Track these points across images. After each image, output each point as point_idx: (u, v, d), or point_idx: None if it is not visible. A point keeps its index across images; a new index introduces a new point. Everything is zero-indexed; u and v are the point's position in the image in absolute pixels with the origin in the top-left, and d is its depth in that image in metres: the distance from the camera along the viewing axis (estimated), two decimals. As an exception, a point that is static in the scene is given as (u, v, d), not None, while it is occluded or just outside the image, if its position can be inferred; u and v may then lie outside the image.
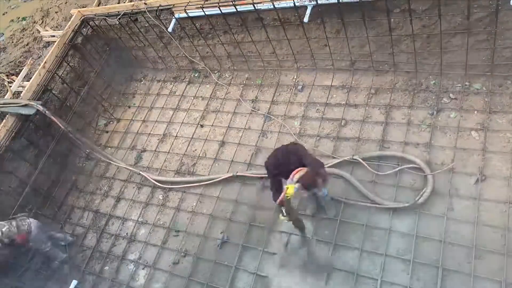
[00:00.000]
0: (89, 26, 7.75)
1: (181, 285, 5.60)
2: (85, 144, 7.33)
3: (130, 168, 6.99)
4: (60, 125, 6.82)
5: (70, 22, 7.61)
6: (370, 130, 5.88)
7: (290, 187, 3.98)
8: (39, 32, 8.40)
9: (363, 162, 5.41)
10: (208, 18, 6.58)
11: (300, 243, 5.16)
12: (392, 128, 5.78)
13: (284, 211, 4.40)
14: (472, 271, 4.44)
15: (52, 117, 6.73)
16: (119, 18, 7.31)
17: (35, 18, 9.84)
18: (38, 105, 6.64)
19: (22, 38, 9.37)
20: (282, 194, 4.08)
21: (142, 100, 8.11)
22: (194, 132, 7.09)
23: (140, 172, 6.81)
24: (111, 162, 7.22)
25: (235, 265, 5.43)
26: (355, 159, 5.48)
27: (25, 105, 6.66)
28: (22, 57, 8.50)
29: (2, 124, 6.63)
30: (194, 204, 6.27)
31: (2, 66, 8.66)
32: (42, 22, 9.48)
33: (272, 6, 5.85)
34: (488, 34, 5.22)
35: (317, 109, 6.41)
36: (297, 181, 3.98)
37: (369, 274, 4.80)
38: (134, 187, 6.91)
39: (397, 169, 5.29)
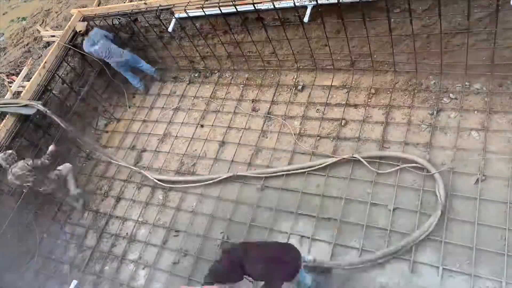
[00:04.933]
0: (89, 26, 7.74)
1: (181, 285, 5.59)
2: (86, 143, 7.34)
3: (131, 166, 6.98)
4: (62, 124, 6.82)
5: (70, 22, 7.62)
6: (370, 130, 5.88)
7: None
8: (39, 32, 8.40)
9: (364, 161, 5.41)
10: (208, 18, 6.58)
11: None
12: (392, 128, 5.78)
13: None
14: (473, 272, 4.44)
15: (54, 117, 6.73)
16: (119, 18, 7.32)
17: (35, 18, 9.85)
18: (39, 105, 6.64)
19: (22, 38, 9.37)
20: None
21: (142, 100, 8.12)
22: (194, 132, 7.08)
23: (141, 171, 6.81)
24: (112, 160, 7.22)
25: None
26: (355, 157, 5.50)
27: (25, 105, 6.66)
28: (22, 57, 8.50)
29: (2, 124, 6.63)
30: (194, 204, 6.27)
31: (2, 66, 8.66)
32: (42, 22, 9.49)
33: (272, 6, 5.85)
34: (488, 34, 5.22)
35: (317, 109, 6.41)
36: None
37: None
38: (134, 187, 6.90)
39: (397, 168, 5.30)
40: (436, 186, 4.94)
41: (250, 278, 3.99)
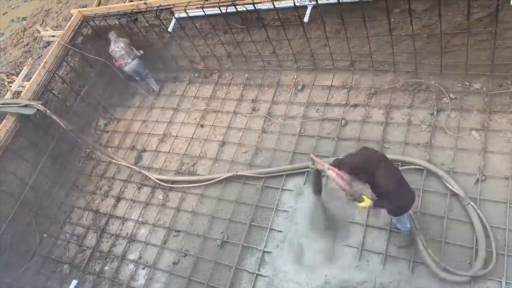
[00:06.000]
0: (89, 26, 7.75)
1: (181, 285, 5.60)
2: (87, 143, 7.34)
3: (132, 166, 6.98)
4: (62, 124, 6.82)
5: (70, 22, 7.62)
6: (370, 130, 5.88)
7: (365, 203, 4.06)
8: (39, 32, 8.40)
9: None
10: (208, 18, 6.58)
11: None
12: (392, 128, 5.78)
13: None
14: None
15: (54, 117, 6.73)
16: (119, 18, 7.32)
17: (35, 18, 9.85)
18: (39, 105, 6.64)
19: (22, 38, 9.38)
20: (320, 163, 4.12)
21: (142, 100, 8.12)
22: (194, 132, 7.09)
23: (141, 171, 6.81)
24: (113, 160, 7.21)
25: (235, 265, 5.44)
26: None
27: (25, 105, 6.66)
28: (22, 57, 8.50)
29: (2, 124, 6.63)
30: (194, 204, 6.27)
31: (2, 66, 8.66)
32: (42, 22, 9.49)
33: (272, 6, 5.85)
34: (488, 34, 5.22)
35: (317, 109, 6.41)
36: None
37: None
38: (134, 187, 6.91)
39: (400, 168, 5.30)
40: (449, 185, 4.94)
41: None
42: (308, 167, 4.36)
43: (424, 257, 4.57)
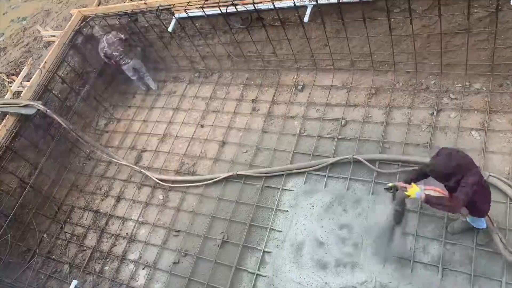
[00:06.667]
0: (89, 26, 7.75)
1: (181, 285, 5.60)
2: (87, 142, 7.34)
3: (132, 166, 6.97)
4: (63, 123, 6.82)
5: (70, 22, 7.62)
6: (370, 130, 5.88)
7: (414, 190, 3.70)
8: (39, 32, 8.40)
9: (365, 162, 5.41)
10: (208, 18, 6.58)
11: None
12: (392, 128, 5.78)
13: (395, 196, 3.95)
14: (472, 271, 4.44)
15: (54, 116, 6.73)
16: (119, 18, 7.32)
17: (35, 18, 9.86)
18: (39, 105, 6.64)
19: (22, 38, 9.38)
20: (403, 185, 3.82)
21: (142, 100, 8.12)
22: (194, 132, 7.09)
23: (142, 170, 6.81)
24: (113, 160, 7.20)
25: (235, 265, 5.44)
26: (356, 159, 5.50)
27: (25, 105, 6.66)
28: (22, 57, 8.51)
29: (2, 124, 6.63)
30: (194, 204, 6.27)
31: (2, 66, 8.67)
32: (42, 22, 9.50)
33: (272, 6, 5.85)
34: (488, 34, 5.22)
35: (317, 109, 6.41)
36: (426, 195, 3.65)
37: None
38: (134, 187, 6.91)
39: (399, 169, 5.30)
40: None
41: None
42: (391, 191, 3.94)
43: (504, 254, 4.33)
